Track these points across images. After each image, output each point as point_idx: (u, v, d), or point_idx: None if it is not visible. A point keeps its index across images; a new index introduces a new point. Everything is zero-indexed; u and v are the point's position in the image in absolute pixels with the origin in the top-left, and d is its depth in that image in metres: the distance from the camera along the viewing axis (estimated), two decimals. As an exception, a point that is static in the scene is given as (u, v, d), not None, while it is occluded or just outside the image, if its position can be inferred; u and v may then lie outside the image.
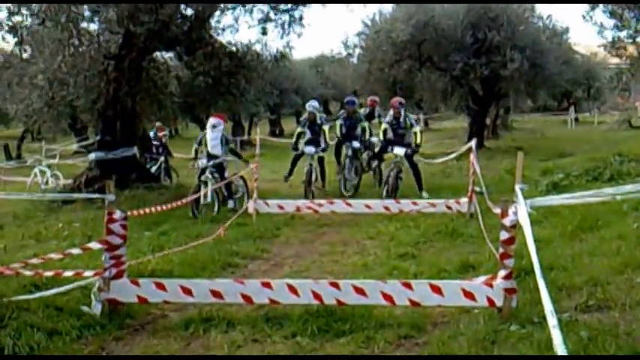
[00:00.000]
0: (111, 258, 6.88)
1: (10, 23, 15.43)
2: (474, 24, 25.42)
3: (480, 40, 25.48)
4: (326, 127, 16.12)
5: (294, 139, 16.25)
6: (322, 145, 15.91)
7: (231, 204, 13.99)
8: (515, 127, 40.63)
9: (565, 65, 30.35)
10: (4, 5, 15.18)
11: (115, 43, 16.56)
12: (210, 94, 19.57)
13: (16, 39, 15.94)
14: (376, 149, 16.35)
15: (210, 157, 13.93)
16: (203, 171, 13.88)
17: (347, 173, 16.17)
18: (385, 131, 15.45)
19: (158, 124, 21.43)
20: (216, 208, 13.71)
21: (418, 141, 15.08)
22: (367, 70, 27.77)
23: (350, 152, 16.23)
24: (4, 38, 15.92)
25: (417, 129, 15.27)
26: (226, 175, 14.15)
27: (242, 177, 14.78)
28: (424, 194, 14.62)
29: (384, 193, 14.48)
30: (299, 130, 16.27)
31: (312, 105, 16.36)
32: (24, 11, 15.30)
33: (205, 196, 13.48)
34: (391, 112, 15.47)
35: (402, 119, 15.23)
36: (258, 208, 13.02)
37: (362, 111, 18.04)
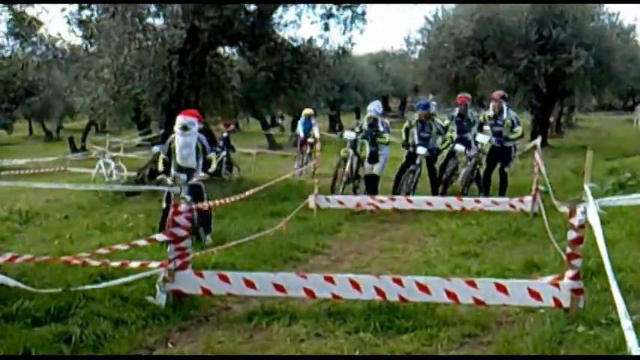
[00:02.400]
0: (176, 250, 6.98)
1: (80, 17, 15.80)
2: (538, 20, 25.00)
3: (544, 36, 25.05)
4: (388, 136, 13.91)
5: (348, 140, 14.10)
6: (381, 161, 13.90)
7: (208, 240, 10.41)
8: (579, 126, 39.93)
9: (631, 63, 29.65)
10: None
11: (180, 38, 16.72)
12: (272, 89, 19.68)
13: (84, 33, 16.30)
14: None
15: (181, 170, 10.17)
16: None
17: (405, 185, 13.93)
18: (481, 124, 14.10)
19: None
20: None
21: (513, 136, 13.64)
22: (429, 66, 27.56)
23: (418, 160, 13.83)
24: (73, 31, 16.32)
25: (519, 128, 13.72)
26: (206, 200, 10.21)
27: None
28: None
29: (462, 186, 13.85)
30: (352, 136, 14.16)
31: (374, 109, 14.08)
32: (93, 6, 15.64)
33: None
34: (490, 107, 13.93)
35: (501, 117, 13.60)
36: (318, 203, 13.05)
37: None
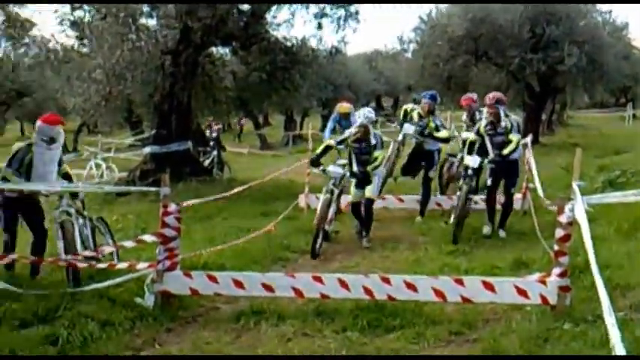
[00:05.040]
0: (165, 250, 6.97)
1: (72, 18, 15.82)
2: (531, 19, 25.02)
3: (537, 34, 25.07)
4: (379, 153, 10.52)
5: (318, 151, 10.83)
6: (375, 181, 10.59)
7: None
8: (571, 123, 39.99)
9: (624, 61, 29.72)
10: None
11: (173, 39, 16.72)
12: (265, 89, 19.64)
13: (76, 33, 16.32)
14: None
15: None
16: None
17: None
18: (472, 143, 11.04)
19: None
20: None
21: (506, 151, 10.58)
22: (421, 65, 27.55)
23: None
24: (65, 32, 16.34)
25: (514, 137, 10.67)
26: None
27: (102, 219, 9.12)
28: (501, 233, 10.92)
29: (454, 223, 10.66)
30: (330, 142, 11.00)
31: (367, 115, 10.62)
32: (85, 7, 15.65)
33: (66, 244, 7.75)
34: (485, 113, 11.19)
35: (501, 123, 10.72)
36: (309, 203, 13.03)
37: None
